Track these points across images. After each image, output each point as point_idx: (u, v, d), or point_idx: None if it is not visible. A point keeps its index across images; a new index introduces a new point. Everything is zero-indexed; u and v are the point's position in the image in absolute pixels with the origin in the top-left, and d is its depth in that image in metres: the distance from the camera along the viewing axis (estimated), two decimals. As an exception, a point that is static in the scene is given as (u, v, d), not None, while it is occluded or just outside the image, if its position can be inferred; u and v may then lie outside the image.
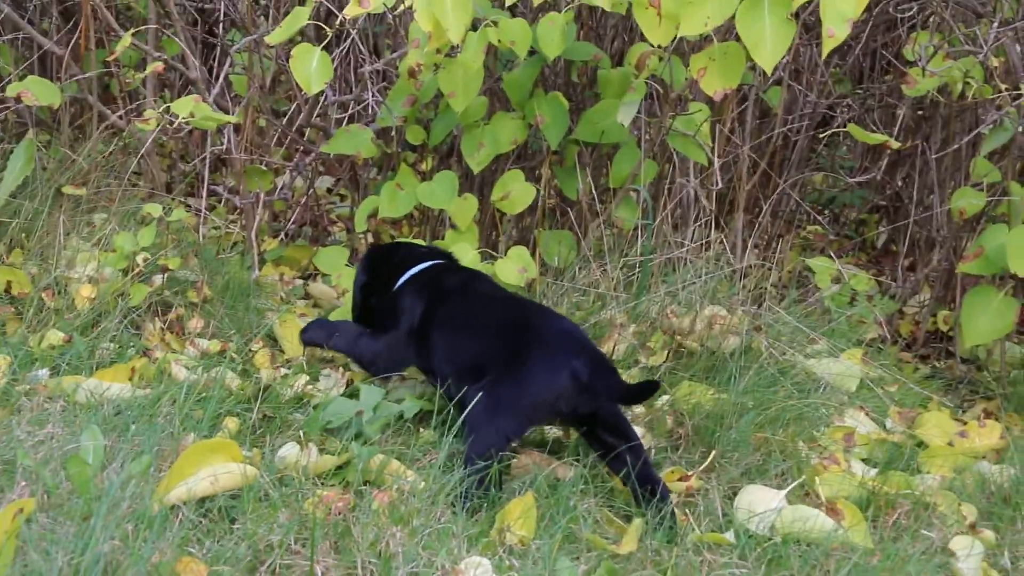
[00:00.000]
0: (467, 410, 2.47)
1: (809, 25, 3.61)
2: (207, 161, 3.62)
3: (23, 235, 3.31)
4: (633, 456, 2.46)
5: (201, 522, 2.27)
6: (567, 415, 2.50)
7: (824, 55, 2.40)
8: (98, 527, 2.06)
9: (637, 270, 3.34)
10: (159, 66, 3.03)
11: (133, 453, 2.39)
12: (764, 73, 3.68)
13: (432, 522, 2.35)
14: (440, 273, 2.81)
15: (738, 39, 2.68)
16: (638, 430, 2.79)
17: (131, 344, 3.02)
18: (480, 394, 2.45)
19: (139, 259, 3.08)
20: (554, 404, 2.45)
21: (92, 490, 2.22)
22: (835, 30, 2.44)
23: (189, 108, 2.87)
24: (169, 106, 2.95)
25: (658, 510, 2.42)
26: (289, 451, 2.54)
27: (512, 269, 3.21)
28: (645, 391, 2.41)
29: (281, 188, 3.86)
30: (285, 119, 3.81)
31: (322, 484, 2.50)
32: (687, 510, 2.52)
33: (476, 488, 2.43)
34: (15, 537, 2.00)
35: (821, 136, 3.59)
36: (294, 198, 3.93)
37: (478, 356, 2.57)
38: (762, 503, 2.50)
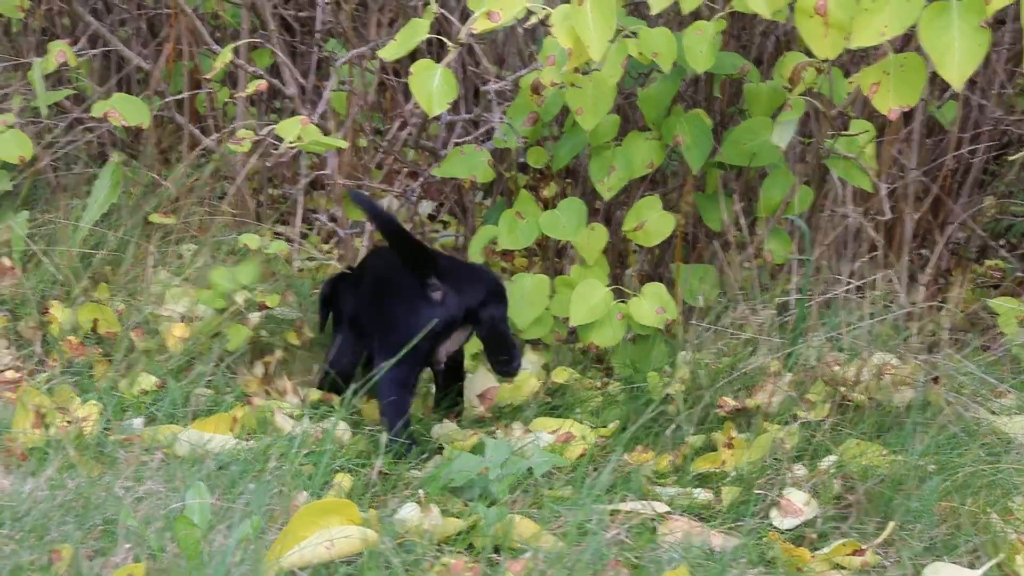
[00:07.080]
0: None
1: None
2: (301, 186, 3.72)
3: (108, 268, 3.42)
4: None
5: (318, 592, 2.32)
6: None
7: (1027, 67, 2.38)
8: (213, 596, 2.13)
9: (791, 311, 3.33)
10: (262, 84, 3.11)
11: (241, 513, 2.45)
12: (936, 85, 3.69)
13: (573, 597, 2.38)
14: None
15: (918, 49, 2.69)
16: (801, 495, 2.79)
17: (228, 389, 3.11)
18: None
19: (239, 298, 3.16)
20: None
21: (201, 554, 2.29)
22: (1039, 39, 2.44)
23: (296, 131, 2.93)
24: (273, 128, 3.02)
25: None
26: (409, 513, 2.58)
27: (649, 309, 3.23)
28: None
29: (382, 215, 3.93)
30: (386, 139, 3.89)
31: (446, 550, 2.54)
32: (864, 590, 2.50)
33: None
34: (124, 606, 2.08)
35: (1010, 158, 3.55)
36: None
37: None
38: (954, 586, 2.47)
